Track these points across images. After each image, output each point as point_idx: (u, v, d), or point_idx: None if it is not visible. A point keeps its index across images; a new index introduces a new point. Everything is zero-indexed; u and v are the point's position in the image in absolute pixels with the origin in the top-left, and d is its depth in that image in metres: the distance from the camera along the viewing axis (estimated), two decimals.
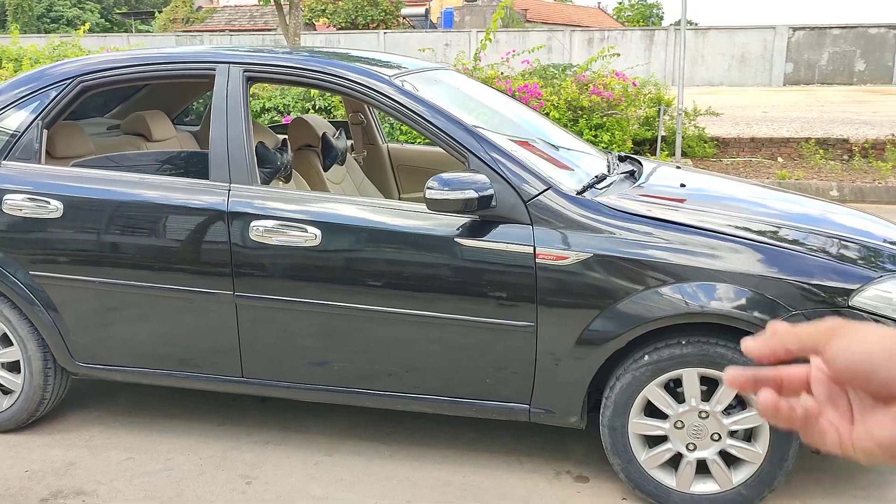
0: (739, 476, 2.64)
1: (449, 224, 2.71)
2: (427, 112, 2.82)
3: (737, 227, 2.68)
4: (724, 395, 2.58)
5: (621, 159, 3.55)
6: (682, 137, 9.42)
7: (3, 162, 3.10)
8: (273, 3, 10.94)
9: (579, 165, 3.16)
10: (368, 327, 2.83)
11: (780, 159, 10.59)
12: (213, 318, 2.93)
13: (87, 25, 11.73)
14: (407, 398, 2.90)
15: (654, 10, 66.93)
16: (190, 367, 3.05)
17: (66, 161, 3.24)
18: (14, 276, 3.05)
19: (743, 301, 2.52)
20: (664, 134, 9.53)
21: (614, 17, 59.92)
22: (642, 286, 2.57)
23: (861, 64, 26.17)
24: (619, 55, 10.06)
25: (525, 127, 3.46)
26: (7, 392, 3.25)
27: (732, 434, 2.62)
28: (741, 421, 2.60)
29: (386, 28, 35.68)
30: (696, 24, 41.63)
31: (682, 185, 3.17)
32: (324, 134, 3.84)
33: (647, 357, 2.61)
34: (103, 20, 45.61)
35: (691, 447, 2.66)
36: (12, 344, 3.18)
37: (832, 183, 8.59)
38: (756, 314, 2.50)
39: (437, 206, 2.61)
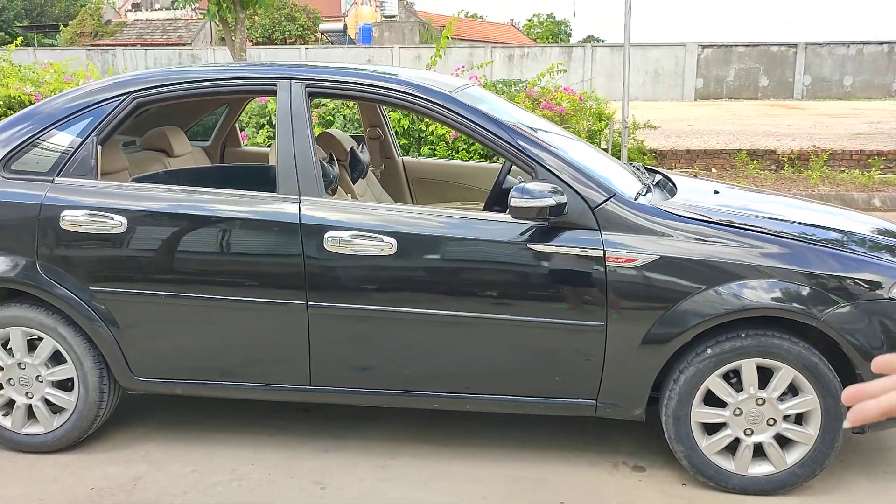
0: (793, 457, 2.88)
1: (520, 231, 2.86)
2: (492, 125, 2.97)
3: (781, 229, 2.94)
4: (779, 383, 2.82)
5: (647, 170, 3.79)
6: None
7: (57, 178, 3.09)
8: (218, 19, 10.85)
9: (620, 175, 3.37)
10: (442, 332, 2.95)
11: (714, 170, 11.16)
12: (284, 328, 2.99)
13: (20, 39, 11.34)
14: (477, 399, 3.03)
15: (563, 28, 68.80)
16: (256, 378, 3.10)
17: (102, 177, 3.23)
18: (73, 293, 3.03)
19: (796, 296, 2.77)
20: (606, 147, 9.93)
21: (525, 33, 61.27)
22: (705, 285, 2.79)
23: (765, 80, 27.68)
24: (565, 71, 10.44)
25: (564, 139, 3.65)
26: (57, 411, 3.22)
27: (786, 418, 2.86)
28: (794, 406, 2.84)
29: (303, 43, 35.54)
30: (603, 41, 43.10)
31: (716, 192, 3.42)
32: (352, 148, 3.94)
33: (709, 350, 2.83)
34: (2, 33, 43.72)
35: (748, 432, 2.88)
36: (65, 361, 3.15)
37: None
38: (808, 307, 2.76)
39: (519, 213, 2.77)
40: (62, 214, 3.02)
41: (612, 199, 2.88)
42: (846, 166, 10.92)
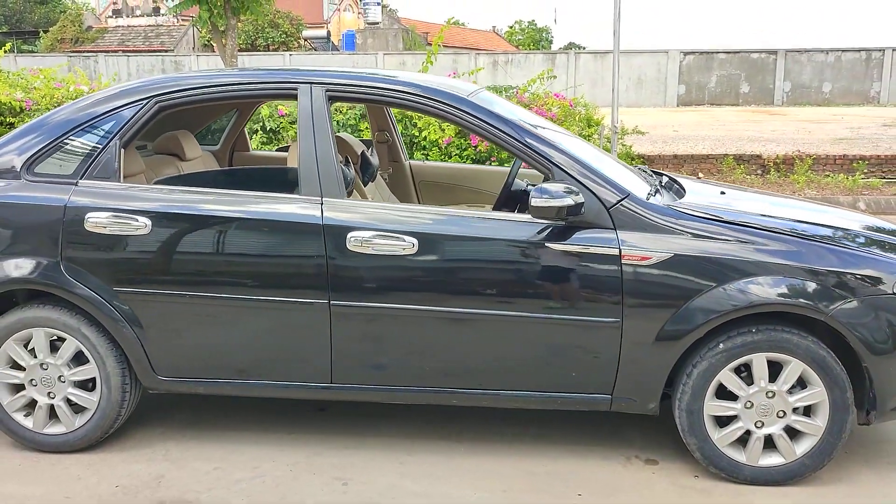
0: (802, 448, 2.98)
1: (537, 230, 2.95)
2: (509, 128, 3.06)
3: (787, 227, 3.05)
4: (789, 376, 2.92)
5: (653, 173, 3.88)
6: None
7: (81, 181, 3.14)
8: (210, 25, 10.90)
9: (630, 176, 3.46)
10: (461, 330, 3.02)
11: (701, 175, 11.32)
12: (306, 327, 3.06)
13: (9, 45, 11.31)
14: (495, 395, 3.10)
15: (545, 35, 69.20)
16: (278, 376, 3.16)
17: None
18: (97, 293, 3.08)
19: (804, 292, 2.87)
20: None
21: (507, 40, 61.57)
22: (717, 282, 2.88)
23: (746, 86, 28.06)
24: (555, 77, 10.56)
25: (575, 141, 3.74)
26: (79, 410, 3.26)
27: (795, 410, 2.96)
28: (804, 398, 2.94)
29: (286, 49, 35.54)
30: (584, 48, 43.40)
31: (722, 193, 3.53)
32: (363, 151, 4.02)
33: (721, 345, 2.92)
34: None
35: (759, 424, 2.98)
36: (87, 361, 3.19)
37: None
38: (816, 303, 2.86)
39: (539, 213, 2.86)
40: (87, 216, 3.07)
41: (626, 199, 2.97)
42: (830, 170, 11.12)
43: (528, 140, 3.05)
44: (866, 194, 9.56)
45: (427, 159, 8.20)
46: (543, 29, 69.36)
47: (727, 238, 2.93)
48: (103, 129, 3.19)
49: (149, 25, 41.70)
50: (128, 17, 45.12)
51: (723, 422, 3.03)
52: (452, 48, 36.79)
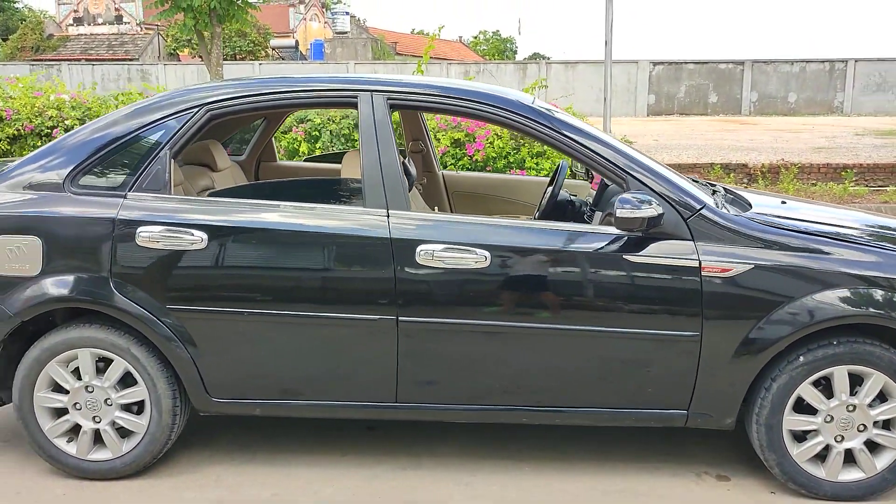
0: (882, 462, 2.93)
1: (614, 242, 2.87)
2: (583, 138, 2.98)
3: (863, 236, 3.00)
4: (871, 389, 2.87)
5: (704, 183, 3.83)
6: None
7: (130, 194, 2.98)
8: (196, 34, 10.68)
9: (696, 187, 3.39)
10: (534, 344, 2.92)
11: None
12: (371, 344, 2.93)
13: None
14: (567, 412, 3.00)
15: (509, 45, 69.64)
16: (340, 396, 3.02)
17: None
18: (149, 312, 2.92)
19: (887, 302, 2.82)
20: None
21: (472, 49, 61.82)
22: (798, 293, 2.82)
23: (714, 96, 28.45)
24: (547, 87, 10.55)
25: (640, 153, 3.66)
26: (125, 435, 3.09)
27: (875, 424, 2.91)
28: (885, 412, 2.89)
29: (254, 59, 35.22)
30: (549, 58, 43.70)
31: (783, 203, 3.48)
32: (403, 161, 3.89)
33: (801, 358, 2.86)
34: None
35: (839, 439, 2.92)
36: (135, 383, 3.03)
37: None
38: None
39: (624, 223, 2.77)
40: (138, 231, 2.91)
41: (703, 209, 2.90)
42: (815, 179, 11.27)
43: (602, 149, 2.96)
44: (856, 203, 9.67)
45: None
46: (508, 39, 69.85)
47: (805, 248, 2.87)
48: (152, 140, 3.03)
49: (112, 34, 41.08)
50: (89, 24, 44.38)
51: (798, 436, 2.96)
52: (419, 57, 36.71)
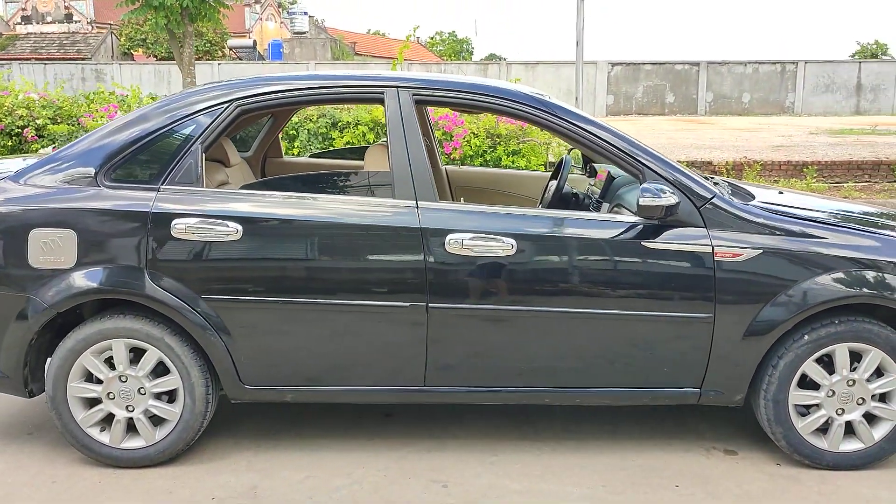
0: (880, 433, 3.14)
1: (632, 229, 3.03)
2: (604, 132, 3.14)
3: (861, 222, 3.22)
4: (869, 364, 3.08)
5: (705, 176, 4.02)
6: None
7: (164, 187, 3.05)
8: (168, 33, 10.63)
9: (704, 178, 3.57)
10: (558, 328, 3.07)
11: None
12: (402, 330, 3.05)
13: None
14: (588, 392, 3.16)
15: (465, 46, 69.93)
16: (370, 381, 3.13)
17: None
18: (185, 301, 3.00)
19: (885, 283, 3.04)
20: (554, 160, 10.28)
21: (429, 49, 61.92)
22: (803, 276, 3.02)
23: (671, 96, 29.03)
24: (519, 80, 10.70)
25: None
26: (158, 423, 3.16)
27: (873, 397, 3.13)
28: (882, 385, 3.11)
29: (210, 59, 34.84)
30: (504, 59, 44.02)
31: (780, 193, 3.69)
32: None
33: (806, 337, 3.06)
34: None
35: (840, 412, 3.13)
36: (168, 372, 3.10)
37: None
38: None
39: (646, 212, 2.94)
40: (173, 222, 2.99)
41: (714, 198, 3.08)
42: (777, 176, 11.66)
43: (622, 143, 3.13)
44: (822, 198, 10.02)
45: None
46: (464, 40, 70.13)
47: (807, 234, 3.07)
48: (184, 134, 3.11)
49: (63, 32, 40.25)
50: (38, 23, 43.37)
51: (801, 411, 3.16)
52: (381, 58, 36.79)
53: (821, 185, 10.99)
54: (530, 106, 3.16)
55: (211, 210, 3.02)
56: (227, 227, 2.99)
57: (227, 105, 3.14)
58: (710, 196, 3.08)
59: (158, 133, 3.11)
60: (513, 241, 3.00)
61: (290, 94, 3.18)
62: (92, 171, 3.07)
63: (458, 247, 2.99)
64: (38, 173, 3.11)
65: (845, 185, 11.22)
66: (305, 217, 3.03)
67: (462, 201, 3.60)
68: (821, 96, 28.78)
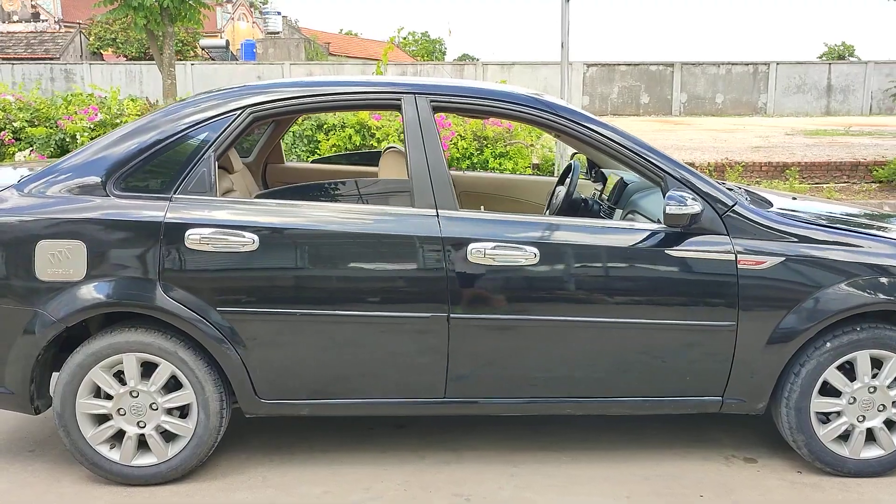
0: None
1: (655, 237, 3.00)
2: (622, 138, 3.10)
3: (881, 230, 3.21)
4: (890, 371, 3.08)
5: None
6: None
7: (176, 196, 2.96)
8: (147, 33, 10.45)
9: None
10: (581, 338, 3.03)
11: None
12: (422, 341, 2.99)
13: None
14: (610, 402, 3.12)
15: (438, 46, 69.86)
16: (389, 393, 3.07)
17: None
18: (199, 314, 2.91)
19: None
20: (538, 162, 10.30)
21: (402, 49, 61.72)
22: (825, 283, 3.01)
23: (646, 97, 29.19)
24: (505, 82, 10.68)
25: None
26: (170, 439, 3.06)
27: (894, 404, 3.12)
28: None
29: (182, 59, 34.39)
30: (477, 59, 44.01)
31: (794, 199, 3.68)
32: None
33: (828, 344, 3.05)
34: None
35: (861, 419, 3.12)
36: (181, 387, 3.01)
37: None
38: None
39: (672, 220, 2.91)
40: (187, 233, 2.90)
41: (735, 206, 3.06)
42: (759, 177, 11.74)
43: (640, 150, 3.10)
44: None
45: None
46: (437, 41, 70.02)
47: (828, 241, 3.06)
48: (196, 141, 3.02)
49: (30, 32, 39.49)
50: (5, 22, 42.58)
51: (822, 418, 3.15)
52: (356, 58, 36.61)
53: (802, 187, 11.08)
54: (551, 112, 3.12)
55: (226, 220, 2.93)
56: (244, 237, 2.91)
57: (239, 112, 3.06)
58: (731, 203, 3.06)
59: (170, 141, 3.02)
60: (535, 250, 2.95)
61: (305, 100, 3.11)
62: (101, 179, 2.97)
63: (480, 256, 2.93)
64: (43, 182, 3.01)
65: (825, 186, 11.33)
66: (323, 227, 2.95)
67: (482, 209, 3.55)
68: (792, 97, 29.10)
